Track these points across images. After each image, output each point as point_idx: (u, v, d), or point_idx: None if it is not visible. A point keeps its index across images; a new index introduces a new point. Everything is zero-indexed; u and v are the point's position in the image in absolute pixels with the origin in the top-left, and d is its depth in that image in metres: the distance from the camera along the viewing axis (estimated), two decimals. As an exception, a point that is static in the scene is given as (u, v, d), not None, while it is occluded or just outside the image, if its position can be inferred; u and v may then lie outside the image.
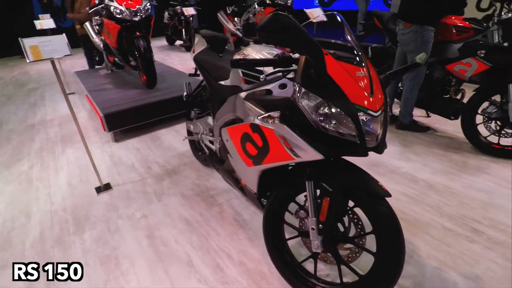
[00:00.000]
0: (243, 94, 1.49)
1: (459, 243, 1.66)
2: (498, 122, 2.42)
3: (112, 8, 3.42)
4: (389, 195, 1.14)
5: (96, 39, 4.27)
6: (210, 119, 2.12)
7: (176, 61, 6.47)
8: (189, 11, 6.24)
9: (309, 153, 1.10)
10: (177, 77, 4.13)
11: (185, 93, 2.39)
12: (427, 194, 2.04)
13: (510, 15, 2.27)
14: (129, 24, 3.44)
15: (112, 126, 3.08)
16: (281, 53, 1.22)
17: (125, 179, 2.50)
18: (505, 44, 2.26)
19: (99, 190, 2.37)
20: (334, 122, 1.06)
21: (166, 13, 7.44)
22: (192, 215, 2.04)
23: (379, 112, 1.08)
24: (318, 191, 1.27)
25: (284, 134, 1.15)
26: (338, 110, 1.05)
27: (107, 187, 2.40)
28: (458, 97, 2.70)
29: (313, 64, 1.08)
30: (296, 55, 1.21)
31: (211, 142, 2.12)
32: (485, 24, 2.43)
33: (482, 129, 2.51)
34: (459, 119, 2.60)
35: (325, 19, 3.05)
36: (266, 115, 1.13)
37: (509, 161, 2.36)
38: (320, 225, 1.27)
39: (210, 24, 9.24)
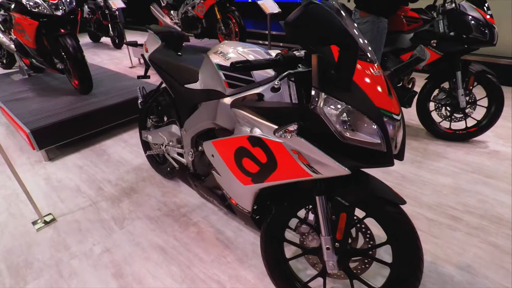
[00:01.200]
0: (227, 100, 1.29)
1: (444, 232, 1.72)
2: (448, 108, 2.61)
3: (24, 0, 2.81)
4: (405, 202, 1.06)
5: (3, 38, 3.51)
6: (175, 128, 1.85)
7: (106, 60, 5.77)
8: (117, 4, 5.57)
9: (332, 169, 0.96)
10: (115, 79, 3.63)
11: (139, 99, 2.06)
12: (403, 185, 2.10)
13: (453, 5, 2.42)
14: (50, 20, 2.87)
15: (43, 143, 2.55)
16: (283, 52, 1.06)
17: (71, 206, 2.08)
18: (451, 33, 2.41)
19: (37, 224, 1.92)
20: (358, 130, 0.94)
21: (86, 6, 6.57)
22: (166, 241, 1.76)
23: (400, 115, 1.00)
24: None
25: (299, 149, 0.99)
26: (364, 116, 0.93)
27: (49, 219, 1.96)
28: (410, 86, 2.84)
29: (332, 65, 0.94)
30: (299, 53, 1.05)
31: (180, 154, 1.85)
32: (431, 14, 2.57)
33: (435, 116, 2.68)
34: (414, 107, 2.75)
35: (278, 11, 2.94)
36: (282, 128, 0.95)
37: (461, 144, 2.56)
38: (337, 244, 1.15)
39: (139, 18, 8.48)
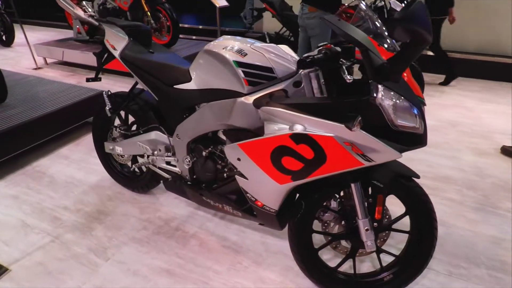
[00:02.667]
0: (247, 99, 1.23)
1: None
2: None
3: None
4: (419, 176, 1.21)
5: None
6: (158, 135, 1.65)
7: (-3, 60, 4.68)
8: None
9: (386, 155, 1.02)
10: (33, 84, 2.99)
11: (107, 106, 1.75)
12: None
13: (382, 2, 2.77)
14: None
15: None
16: (326, 46, 1.06)
17: (23, 247, 1.67)
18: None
19: (-12, 280, 1.48)
20: (405, 117, 1.02)
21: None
22: (168, 261, 1.59)
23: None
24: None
25: (355, 140, 1.01)
26: (409, 104, 1.02)
27: (-1, 270, 1.53)
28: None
29: (379, 58, 0.99)
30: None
31: (169, 163, 1.66)
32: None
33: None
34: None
35: (227, 4, 2.88)
36: (354, 123, 0.95)
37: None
38: (375, 224, 1.24)
39: (36, 11, 7.11)
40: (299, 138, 1.08)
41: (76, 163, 2.38)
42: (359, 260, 1.56)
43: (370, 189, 1.25)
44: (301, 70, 1.21)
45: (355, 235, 1.30)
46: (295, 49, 3.28)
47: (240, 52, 1.24)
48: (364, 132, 0.99)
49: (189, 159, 1.55)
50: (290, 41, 3.36)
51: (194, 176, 1.60)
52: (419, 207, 1.23)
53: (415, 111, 1.03)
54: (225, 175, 1.45)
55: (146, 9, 3.91)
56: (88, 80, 1.94)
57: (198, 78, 1.41)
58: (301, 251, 1.37)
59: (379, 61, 1.00)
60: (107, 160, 2.08)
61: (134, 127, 1.90)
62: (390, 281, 1.34)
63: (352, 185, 1.20)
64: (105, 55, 1.87)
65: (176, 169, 1.63)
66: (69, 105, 2.58)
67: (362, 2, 1.25)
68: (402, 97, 1.01)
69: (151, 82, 1.55)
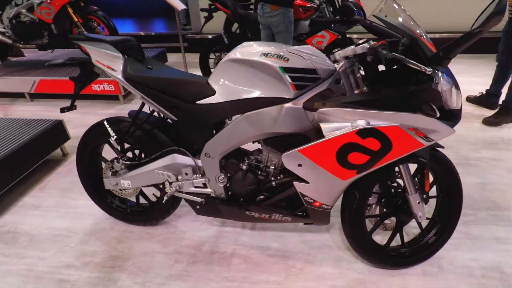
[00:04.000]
0: (295, 103, 1.23)
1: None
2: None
3: None
4: (443, 147, 1.38)
5: None
6: (179, 158, 1.50)
7: None
8: None
9: (445, 133, 1.12)
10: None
11: (113, 137, 1.51)
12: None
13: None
14: None
15: None
16: (380, 43, 1.10)
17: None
18: (337, 17, 2.97)
19: None
20: (453, 98, 1.13)
21: None
22: (222, 283, 1.48)
23: None
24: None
25: (419, 125, 1.09)
26: (458, 86, 1.13)
27: None
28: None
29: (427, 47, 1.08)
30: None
31: (196, 186, 1.53)
32: (317, 2, 3.05)
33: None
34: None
35: (184, 7, 2.72)
36: (430, 111, 1.01)
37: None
38: (425, 195, 1.36)
39: None
40: (366, 132, 1.12)
41: (52, 210, 2.00)
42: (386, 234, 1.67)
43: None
44: (340, 67, 1.24)
45: (401, 211, 1.42)
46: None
47: (281, 57, 1.21)
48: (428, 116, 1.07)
49: (223, 176, 1.46)
50: (250, 40, 3.33)
51: (229, 193, 1.52)
52: (448, 172, 1.39)
53: (459, 93, 1.16)
54: (273, 184, 1.41)
55: (76, 19, 3.42)
56: (63, 110, 1.66)
57: (225, 90, 1.33)
58: (358, 237, 1.43)
59: (430, 50, 1.09)
60: (104, 198, 1.81)
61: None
62: (434, 242, 1.50)
63: (401, 166, 1.29)
64: (84, 80, 1.61)
65: (208, 190, 1.51)
66: (23, 144, 2.14)
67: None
68: (452, 80, 1.12)
69: (167, 102, 1.40)
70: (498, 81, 2.84)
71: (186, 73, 1.50)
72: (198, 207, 1.55)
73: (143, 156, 1.65)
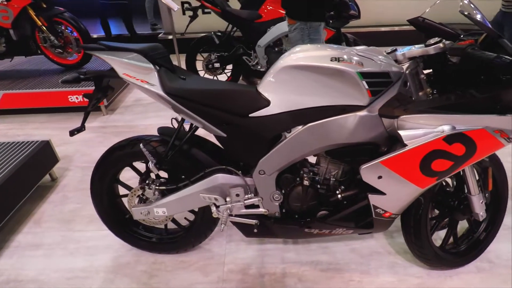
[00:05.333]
0: (369, 110, 1.14)
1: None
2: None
3: None
4: None
5: None
6: (226, 178, 1.34)
7: None
8: None
9: None
10: None
11: (152, 162, 1.30)
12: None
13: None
14: None
15: None
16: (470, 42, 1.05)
17: None
18: (332, 13, 2.93)
19: None
20: None
21: None
22: (285, 314, 1.37)
23: None
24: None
25: (505, 127, 1.06)
26: None
27: None
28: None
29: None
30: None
31: (248, 206, 1.38)
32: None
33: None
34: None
35: (178, 8, 2.52)
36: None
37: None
38: (487, 194, 1.36)
39: None
40: (452, 138, 1.07)
41: (57, 248, 1.71)
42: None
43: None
44: (406, 69, 1.18)
45: (457, 210, 1.41)
46: (248, 48, 3.14)
47: (356, 61, 1.11)
48: None
49: (278, 194, 1.33)
50: (242, 41, 3.18)
51: (283, 210, 1.40)
52: (496, 167, 1.41)
53: None
54: (339, 197, 1.31)
55: (40, 23, 2.99)
56: (73, 133, 1.42)
57: (283, 100, 1.20)
58: (422, 243, 1.39)
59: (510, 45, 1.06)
60: (125, 228, 1.58)
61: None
62: (485, 237, 1.52)
63: (466, 168, 1.27)
64: (100, 96, 1.38)
65: (261, 210, 1.37)
66: (9, 174, 1.79)
67: None
68: None
69: (216, 117, 1.23)
70: None
71: (228, 82, 1.34)
72: (255, 230, 1.40)
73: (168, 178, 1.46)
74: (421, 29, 1.24)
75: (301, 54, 1.17)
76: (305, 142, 1.22)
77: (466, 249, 1.51)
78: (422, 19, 1.24)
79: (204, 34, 3.24)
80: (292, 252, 1.64)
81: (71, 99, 2.96)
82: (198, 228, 1.54)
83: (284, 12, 2.19)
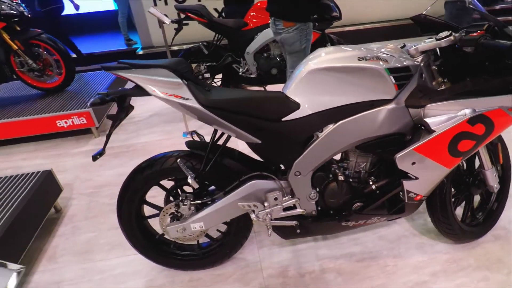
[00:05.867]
0: (396, 102, 1.23)
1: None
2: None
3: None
4: None
5: None
6: (262, 184, 1.36)
7: None
8: None
9: None
10: None
11: (190, 176, 1.28)
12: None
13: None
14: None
15: None
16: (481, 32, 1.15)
17: None
18: (315, 16, 3.03)
19: None
20: None
21: None
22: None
23: None
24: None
25: None
26: None
27: None
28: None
29: None
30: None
31: (285, 209, 1.40)
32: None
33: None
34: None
35: (168, 22, 2.51)
36: None
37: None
38: (498, 167, 1.48)
39: None
40: (474, 119, 1.17)
41: (82, 281, 1.63)
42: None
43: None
44: (421, 61, 1.27)
45: (473, 185, 1.52)
46: (237, 56, 3.16)
47: (381, 58, 1.18)
48: None
49: (314, 193, 1.37)
50: (229, 49, 3.19)
51: (319, 208, 1.43)
52: (500, 141, 1.55)
53: None
54: (373, 187, 1.37)
55: (16, 47, 2.83)
56: (95, 158, 1.36)
57: (313, 101, 1.24)
58: (448, 220, 1.49)
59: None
60: (158, 250, 1.54)
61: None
62: (497, 207, 1.64)
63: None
64: (123, 116, 1.34)
65: (299, 211, 1.40)
66: (16, 211, 1.68)
67: None
68: None
69: (249, 124, 1.24)
70: None
71: (254, 90, 1.36)
72: (298, 231, 1.42)
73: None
74: (421, 25, 1.35)
75: (327, 57, 1.22)
76: (338, 139, 1.27)
77: (483, 221, 1.63)
78: (424, 15, 1.34)
79: (191, 46, 3.22)
80: (324, 248, 1.68)
81: (60, 124, 2.82)
82: (233, 238, 1.54)
83: (273, 17, 2.25)
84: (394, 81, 1.18)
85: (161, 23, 2.47)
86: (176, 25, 3.08)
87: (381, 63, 1.17)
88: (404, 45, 1.37)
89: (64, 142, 2.94)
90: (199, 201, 1.40)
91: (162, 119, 3.26)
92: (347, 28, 4.95)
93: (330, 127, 1.25)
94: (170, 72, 1.21)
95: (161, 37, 4.70)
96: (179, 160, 1.31)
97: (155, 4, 4.51)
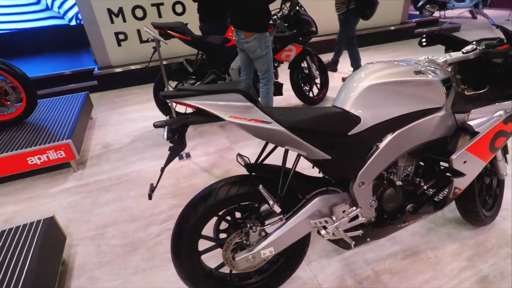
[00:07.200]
0: (446, 109, 1.38)
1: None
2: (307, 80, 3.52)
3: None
4: None
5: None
6: (330, 198, 1.37)
7: None
8: None
9: None
10: None
11: (274, 201, 1.22)
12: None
13: (286, 12, 3.17)
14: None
15: None
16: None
17: None
18: (294, 31, 3.18)
19: None
20: None
21: None
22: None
23: None
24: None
25: None
26: None
27: None
28: (276, 78, 3.43)
29: None
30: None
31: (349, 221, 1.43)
32: (274, 18, 3.17)
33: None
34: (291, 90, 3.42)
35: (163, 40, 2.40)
36: None
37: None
38: (507, 155, 1.74)
39: None
40: (507, 119, 1.37)
41: None
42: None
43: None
44: (451, 71, 1.44)
45: (486, 175, 1.76)
46: (221, 72, 3.13)
47: (432, 71, 1.31)
48: None
49: (374, 200, 1.44)
50: (211, 66, 3.13)
51: (383, 211, 1.51)
52: None
53: None
54: (425, 187, 1.49)
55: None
56: (151, 196, 1.24)
57: (373, 114, 1.31)
58: (476, 209, 1.69)
59: None
60: (219, 285, 1.44)
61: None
62: (499, 191, 1.91)
63: None
64: (183, 146, 1.24)
65: (361, 219, 1.44)
66: (32, 268, 1.40)
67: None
68: None
69: (323, 142, 1.26)
70: (337, 54, 4.47)
71: (314, 108, 1.38)
72: (368, 239, 1.46)
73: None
74: (431, 38, 1.55)
75: (384, 72, 1.31)
76: (396, 147, 1.36)
77: (492, 205, 1.89)
78: (439, 31, 1.53)
79: (171, 63, 3.08)
80: (369, 252, 1.75)
81: (32, 161, 2.42)
82: (292, 257, 1.51)
83: (235, 29, 2.60)
84: (445, 91, 1.32)
85: (156, 42, 2.32)
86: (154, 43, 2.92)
87: (433, 75, 1.30)
88: (427, 58, 1.54)
89: (36, 182, 2.53)
90: (267, 225, 1.35)
91: (147, 144, 3.03)
92: (317, 39, 5.29)
93: (389, 137, 1.34)
94: (241, 96, 1.16)
95: (121, 56, 4.44)
96: (261, 186, 1.24)
97: (112, 22, 4.19)
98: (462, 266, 1.64)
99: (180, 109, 3.21)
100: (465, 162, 1.38)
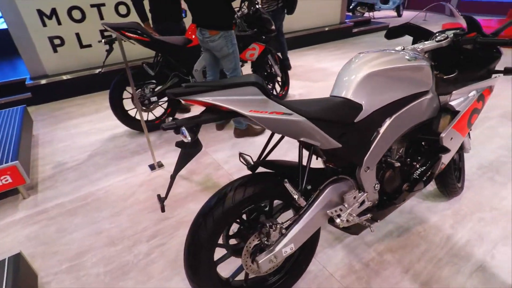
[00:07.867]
0: (434, 91, 1.49)
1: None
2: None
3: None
4: None
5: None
6: (340, 186, 1.39)
7: None
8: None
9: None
10: None
11: (299, 195, 1.17)
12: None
13: (246, 11, 3.15)
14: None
15: None
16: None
17: None
18: (255, 30, 3.19)
19: None
20: None
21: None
22: (404, 278, 1.55)
23: None
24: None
25: (494, 83, 1.62)
26: None
27: None
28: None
29: None
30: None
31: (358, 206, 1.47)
32: (235, 17, 3.13)
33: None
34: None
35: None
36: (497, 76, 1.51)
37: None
38: (470, 132, 1.96)
39: None
40: (479, 98, 1.55)
41: None
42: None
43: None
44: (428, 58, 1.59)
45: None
46: (184, 74, 3.00)
47: (422, 58, 1.41)
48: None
49: (377, 183, 1.50)
50: (173, 68, 2.94)
51: (385, 194, 1.57)
52: None
53: None
54: (417, 166, 1.59)
55: None
56: (163, 207, 1.13)
57: (373, 100, 1.37)
58: (452, 181, 1.89)
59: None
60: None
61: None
62: (463, 164, 2.16)
63: None
64: (198, 149, 1.15)
65: (367, 204, 1.49)
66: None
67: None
68: None
69: (336, 130, 1.26)
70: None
71: (320, 98, 1.38)
72: (378, 220, 1.50)
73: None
74: (395, 31, 1.70)
75: (379, 60, 1.37)
76: (395, 130, 1.43)
77: (459, 176, 2.12)
78: (408, 24, 1.68)
79: (135, 68, 2.82)
80: (367, 236, 1.83)
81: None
82: (306, 250, 1.49)
83: (199, 27, 2.54)
84: (433, 75, 1.44)
85: (119, 42, 2.10)
86: (107, 46, 2.67)
87: (425, 61, 1.41)
88: (404, 48, 1.67)
89: (-19, 214, 2.09)
90: (288, 222, 1.30)
91: (108, 157, 2.73)
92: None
93: (387, 121, 1.41)
94: (257, 89, 1.11)
95: (58, 63, 3.93)
96: (285, 180, 1.19)
97: (44, 25, 3.69)
98: (448, 234, 1.81)
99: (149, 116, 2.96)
100: (451, 138, 1.53)
